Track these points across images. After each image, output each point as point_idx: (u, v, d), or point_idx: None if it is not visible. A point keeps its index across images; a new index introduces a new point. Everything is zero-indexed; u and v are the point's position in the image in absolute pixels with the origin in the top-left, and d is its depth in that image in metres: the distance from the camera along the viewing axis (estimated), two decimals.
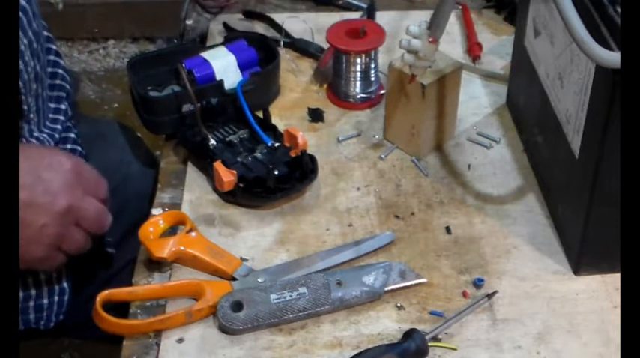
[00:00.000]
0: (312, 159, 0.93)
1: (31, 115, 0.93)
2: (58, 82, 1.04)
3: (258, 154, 0.94)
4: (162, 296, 0.82)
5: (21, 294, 0.93)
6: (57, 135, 0.98)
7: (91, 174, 0.84)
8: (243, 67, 1.01)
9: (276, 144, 0.95)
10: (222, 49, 1.02)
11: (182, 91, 0.97)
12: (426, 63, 0.87)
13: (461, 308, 0.80)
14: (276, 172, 0.90)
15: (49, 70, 1.02)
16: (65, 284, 0.97)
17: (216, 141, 0.95)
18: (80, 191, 0.81)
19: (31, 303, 0.94)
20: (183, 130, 0.97)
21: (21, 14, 0.91)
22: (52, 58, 1.03)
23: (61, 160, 0.81)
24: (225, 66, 1.00)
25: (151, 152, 1.18)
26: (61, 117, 1.03)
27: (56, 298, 0.96)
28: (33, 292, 0.94)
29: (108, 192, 0.86)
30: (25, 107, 0.92)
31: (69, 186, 0.80)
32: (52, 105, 1.02)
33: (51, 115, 1.01)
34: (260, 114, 0.99)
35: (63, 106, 1.04)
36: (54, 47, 1.05)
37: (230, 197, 0.91)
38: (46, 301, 0.95)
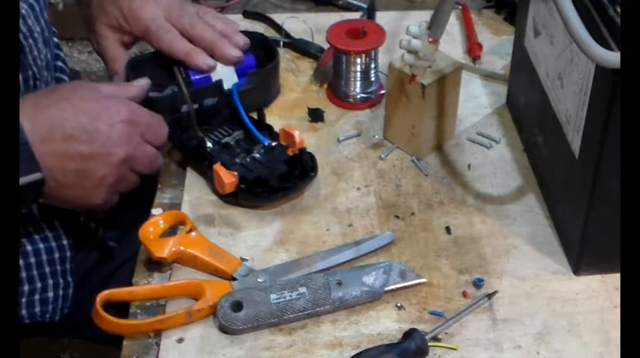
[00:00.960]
0: (311, 157, 0.93)
1: (39, 86, 0.95)
2: (57, 75, 1.05)
3: (256, 155, 0.94)
4: (162, 296, 0.82)
5: (27, 288, 0.95)
6: None
7: (148, 119, 0.88)
8: (240, 72, 1.01)
9: (273, 144, 0.95)
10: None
11: (181, 92, 0.97)
12: (426, 63, 0.87)
13: (461, 308, 0.80)
14: (278, 171, 0.90)
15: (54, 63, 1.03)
16: (70, 278, 0.98)
17: (212, 143, 0.95)
18: (137, 139, 0.86)
19: (37, 297, 0.96)
20: (178, 134, 0.97)
21: (33, 1, 0.93)
22: (55, 51, 1.04)
23: (118, 110, 0.85)
24: (222, 71, 1.00)
25: None
26: None
27: (61, 292, 0.98)
28: (39, 285, 0.96)
29: (165, 132, 0.90)
30: (35, 69, 0.94)
31: (125, 136, 0.85)
32: None
33: None
34: (254, 114, 0.98)
35: None
36: (56, 40, 1.06)
37: (231, 198, 0.91)
38: (51, 294, 0.97)
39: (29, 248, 0.94)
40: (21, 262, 0.94)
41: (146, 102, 0.97)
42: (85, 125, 0.82)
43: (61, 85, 0.93)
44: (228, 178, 0.89)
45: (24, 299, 0.95)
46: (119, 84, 0.97)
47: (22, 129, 0.78)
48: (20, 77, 0.91)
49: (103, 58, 1.04)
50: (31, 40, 0.92)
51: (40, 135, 0.79)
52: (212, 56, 0.99)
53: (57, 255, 0.97)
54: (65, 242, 0.98)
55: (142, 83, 0.93)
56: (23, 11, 0.91)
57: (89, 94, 0.86)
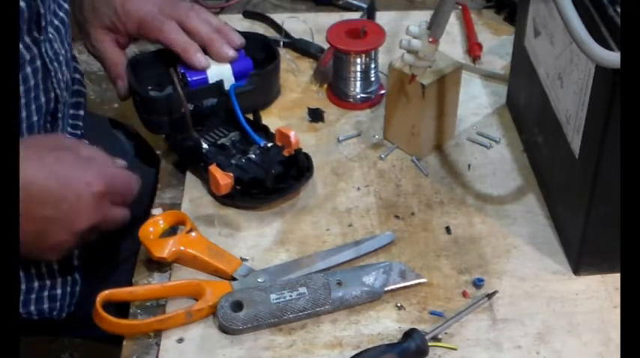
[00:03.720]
0: (307, 157, 0.93)
1: (59, 108, 0.95)
2: (76, 87, 1.05)
3: (251, 155, 0.94)
4: (162, 296, 0.82)
5: (36, 284, 0.96)
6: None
7: (121, 183, 0.86)
8: (238, 76, 1.01)
9: (269, 145, 0.94)
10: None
11: (176, 93, 0.96)
12: (426, 63, 0.87)
13: (461, 308, 0.80)
14: (273, 172, 0.90)
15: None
16: (77, 275, 1.00)
17: (208, 144, 0.95)
18: (105, 208, 0.84)
19: (45, 293, 0.97)
20: (173, 135, 0.96)
21: (59, 24, 0.94)
22: (74, 75, 1.04)
23: (90, 182, 0.82)
24: (219, 74, 0.99)
25: (152, 149, 1.18)
26: (80, 123, 1.04)
27: (68, 289, 0.99)
28: (47, 282, 0.97)
29: (137, 188, 0.88)
30: (59, 115, 0.95)
31: (93, 208, 0.83)
32: (72, 111, 1.03)
33: (70, 121, 1.02)
34: (251, 115, 0.98)
35: (81, 112, 1.05)
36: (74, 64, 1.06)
37: (227, 200, 0.91)
38: (59, 291, 0.98)
39: None
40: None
41: (146, 101, 0.97)
42: (54, 191, 0.80)
43: (41, 137, 0.90)
44: (223, 179, 0.89)
45: (33, 296, 0.96)
46: (99, 151, 0.89)
47: None
48: (43, 99, 0.91)
49: (101, 63, 1.03)
50: (56, 64, 0.92)
51: None
52: (206, 53, 0.99)
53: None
54: None
55: (122, 164, 0.90)
56: (50, 35, 0.91)
57: (66, 157, 0.83)
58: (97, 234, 0.86)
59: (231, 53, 0.99)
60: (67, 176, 0.81)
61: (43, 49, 0.89)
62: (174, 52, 0.98)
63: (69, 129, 1.01)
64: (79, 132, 1.03)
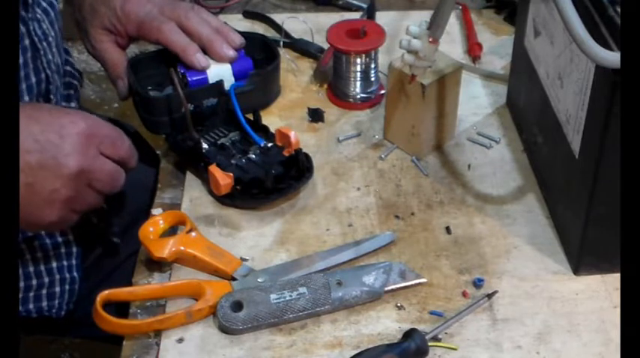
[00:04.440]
0: (307, 157, 0.93)
1: (51, 90, 0.95)
2: (67, 79, 1.05)
3: (251, 155, 0.94)
4: (162, 296, 0.82)
5: (35, 282, 0.96)
6: None
7: (107, 132, 0.83)
8: (238, 76, 1.01)
9: (269, 145, 0.94)
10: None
11: (176, 93, 0.96)
12: (426, 63, 0.87)
13: (461, 308, 0.80)
14: (273, 172, 0.90)
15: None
16: (75, 274, 1.00)
17: (208, 144, 0.95)
18: (93, 151, 0.80)
19: (44, 291, 0.97)
20: (173, 135, 0.96)
21: (47, 6, 0.94)
22: (65, 56, 1.05)
23: (73, 121, 0.79)
24: (219, 74, 0.99)
25: (152, 149, 1.18)
26: None
27: (67, 287, 0.99)
28: (46, 280, 0.97)
29: (127, 147, 0.85)
30: (52, 97, 0.95)
31: (79, 148, 0.79)
32: (64, 104, 1.03)
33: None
34: (251, 116, 0.98)
35: (73, 105, 1.05)
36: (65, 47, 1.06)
37: (227, 200, 0.91)
38: (58, 289, 0.98)
39: (36, 243, 0.95)
40: (28, 256, 0.95)
41: (146, 101, 0.97)
42: (36, 134, 0.77)
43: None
44: (223, 180, 0.89)
45: (32, 294, 0.96)
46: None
47: None
48: (33, 79, 0.91)
49: (101, 63, 1.03)
50: (45, 44, 0.92)
51: None
52: (206, 53, 0.99)
53: (63, 250, 0.98)
54: (71, 237, 0.99)
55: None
56: (38, 15, 0.91)
57: (46, 106, 0.81)
58: (95, 197, 0.83)
59: (232, 53, 0.99)
60: (47, 120, 0.79)
61: (31, 28, 0.90)
62: (174, 52, 0.98)
63: None
64: None
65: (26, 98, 0.90)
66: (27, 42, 0.90)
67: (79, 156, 0.79)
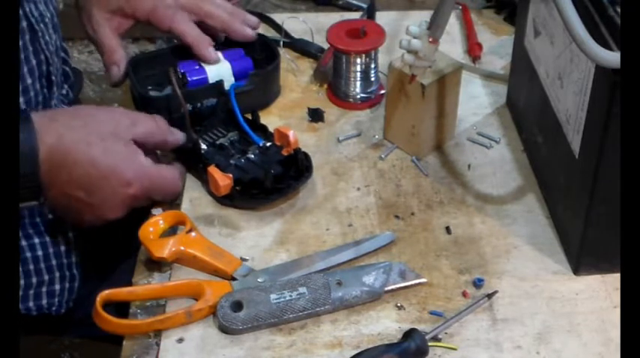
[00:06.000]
0: (306, 156, 0.93)
1: (52, 71, 0.95)
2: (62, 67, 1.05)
3: (250, 155, 0.93)
4: (162, 296, 0.82)
5: (35, 280, 0.97)
6: None
7: (160, 188, 0.88)
8: (237, 75, 1.01)
9: (268, 144, 0.94)
10: (219, 56, 1.02)
11: (175, 93, 0.96)
12: (426, 63, 0.87)
13: (461, 308, 0.80)
14: (273, 172, 0.90)
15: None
16: (75, 272, 1.00)
17: (206, 145, 0.95)
18: (137, 204, 0.87)
19: (44, 289, 0.98)
20: None
21: None
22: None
23: (130, 182, 0.84)
24: (219, 73, 0.99)
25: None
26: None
27: (67, 285, 1.00)
28: (46, 278, 0.97)
29: (177, 190, 0.90)
30: (53, 78, 0.95)
31: (124, 205, 0.85)
32: (65, 87, 1.03)
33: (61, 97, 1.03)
34: (248, 115, 0.98)
35: (63, 91, 1.05)
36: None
37: (227, 200, 0.91)
38: (57, 287, 0.99)
39: (36, 240, 0.95)
40: (28, 254, 0.95)
41: (145, 101, 0.97)
42: (93, 179, 0.82)
43: (98, 115, 0.86)
44: (223, 181, 0.88)
45: (31, 291, 0.96)
46: (153, 131, 0.89)
47: (37, 155, 0.78)
48: (34, 61, 0.91)
49: (98, 47, 1.02)
50: (42, 25, 0.92)
51: (49, 169, 0.79)
52: (218, 45, 0.99)
53: (63, 248, 0.98)
54: (71, 234, 0.99)
55: (179, 136, 0.91)
56: None
57: (114, 147, 0.83)
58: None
59: (251, 32, 1.01)
60: (109, 169, 0.82)
61: (28, 9, 0.90)
62: (186, 43, 0.98)
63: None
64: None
65: (29, 81, 0.90)
66: (24, 24, 0.90)
67: (122, 211, 0.85)
